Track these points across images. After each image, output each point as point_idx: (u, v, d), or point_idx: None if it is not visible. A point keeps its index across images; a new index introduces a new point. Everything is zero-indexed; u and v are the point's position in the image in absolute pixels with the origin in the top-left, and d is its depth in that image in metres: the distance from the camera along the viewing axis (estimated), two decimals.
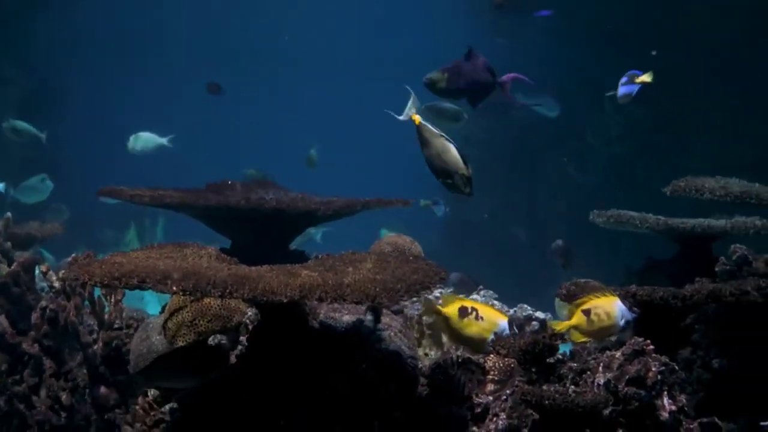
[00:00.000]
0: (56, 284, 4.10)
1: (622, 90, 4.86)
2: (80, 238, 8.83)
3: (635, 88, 4.64)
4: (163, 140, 9.00)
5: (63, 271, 4.14)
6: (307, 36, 19.44)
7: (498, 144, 10.84)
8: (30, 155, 16.54)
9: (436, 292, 3.86)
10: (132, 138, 9.16)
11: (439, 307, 2.97)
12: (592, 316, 2.90)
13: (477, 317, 2.90)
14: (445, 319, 2.95)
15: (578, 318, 2.92)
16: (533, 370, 2.83)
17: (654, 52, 7.67)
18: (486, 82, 4.87)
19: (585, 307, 2.93)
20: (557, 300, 3.68)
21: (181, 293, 2.37)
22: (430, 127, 2.98)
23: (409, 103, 2.92)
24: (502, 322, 2.92)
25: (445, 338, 3.66)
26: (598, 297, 2.95)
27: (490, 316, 2.92)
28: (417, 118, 2.91)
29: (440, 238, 10.03)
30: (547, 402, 2.52)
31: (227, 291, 2.31)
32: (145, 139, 9.16)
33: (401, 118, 2.93)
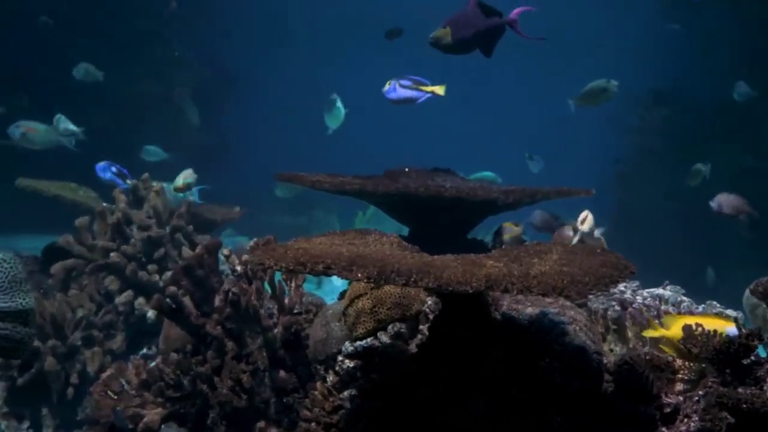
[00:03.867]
0: (238, 268, 4.33)
1: None
2: (249, 224, 9.20)
3: None
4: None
5: (245, 256, 4.37)
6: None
7: (673, 132, 10.70)
8: (205, 141, 17.40)
9: (620, 286, 3.83)
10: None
11: (663, 331, 2.95)
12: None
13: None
14: (671, 341, 2.93)
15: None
16: (727, 371, 2.78)
17: None
18: (494, 25, 4.77)
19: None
20: (748, 297, 3.57)
21: (365, 281, 2.46)
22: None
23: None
24: (731, 329, 2.87)
25: (630, 334, 3.63)
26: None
27: (717, 327, 2.86)
28: None
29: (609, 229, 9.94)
30: (744, 405, 2.48)
31: (412, 279, 2.38)
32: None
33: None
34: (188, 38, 17.07)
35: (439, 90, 6.27)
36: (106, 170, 8.89)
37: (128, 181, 8.88)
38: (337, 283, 10.71)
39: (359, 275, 2.44)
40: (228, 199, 8.98)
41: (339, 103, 10.29)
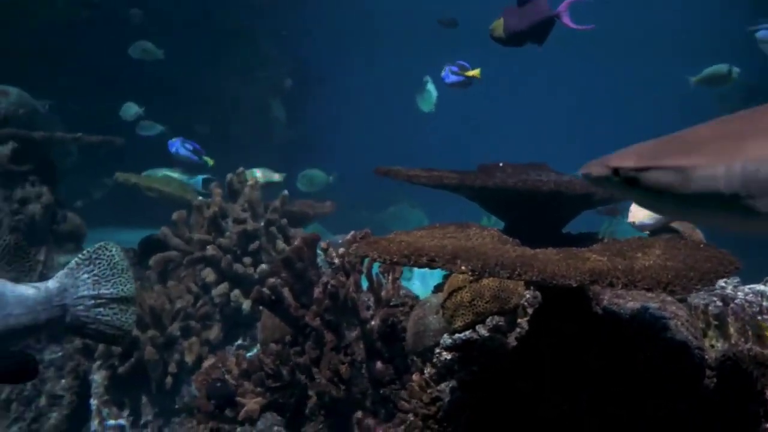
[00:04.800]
0: (336, 261, 4.44)
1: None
2: (329, 218, 9.34)
3: None
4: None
5: (342, 248, 4.48)
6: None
7: None
8: (290, 136, 17.66)
9: (721, 281, 3.81)
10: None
11: None
12: None
13: None
14: None
15: None
16: None
17: None
18: (546, 18, 5.10)
19: None
20: None
21: (469, 273, 2.52)
22: None
23: None
24: None
25: (732, 330, 3.62)
26: None
27: None
28: None
29: None
30: None
31: (515, 273, 2.43)
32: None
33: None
34: (275, 37, 17.34)
35: (476, 73, 6.80)
36: (179, 146, 9.11)
37: (204, 157, 9.09)
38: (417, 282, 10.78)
39: (463, 268, 2.50)
40: (309, 195, 9.12)
41: (429, 86, 10.34)
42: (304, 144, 17.67)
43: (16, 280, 3.51)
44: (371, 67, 22.54)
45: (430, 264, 2.58)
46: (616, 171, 2.47)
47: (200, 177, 10.16)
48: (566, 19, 5.14)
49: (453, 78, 8.22)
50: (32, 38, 13.75)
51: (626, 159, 2.47)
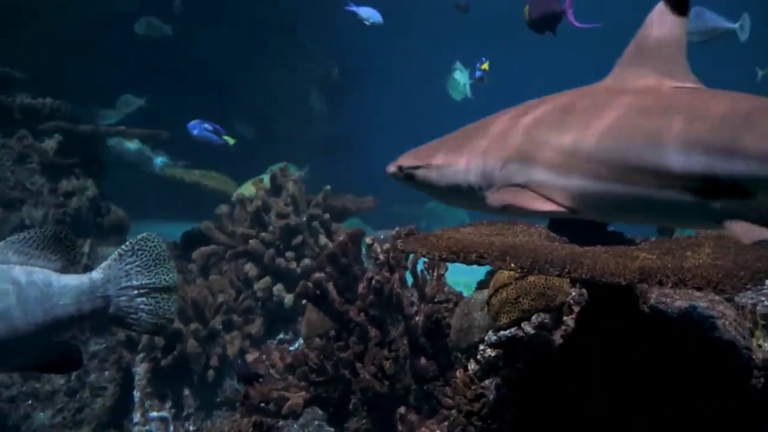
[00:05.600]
0: (381, 257, 4.48)
1: None
2: (365, 212, 9.40)
3: None
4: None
5: (387, 244, 4.53)
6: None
7: None
8: (330, 129, 17.74)
9: None
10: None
11: None
12: None
13: None
14: None
15: None
16: None
17: None
18: (553, 12, 5.81)
19: None
20: None
21: (518, 270, 2.55)
22: None
23: None
24: None
25: None
26: None
27: None
28: None
29: None
30: None
31: (565, 270, 2.46)
32: None
33: None
34: (316, 31, 17.41)
35: (485, 66, 7.49)
36: (198, 127, 9.16)
37: (224, 137, 9.13)
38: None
39: (512, 265, 2.53)
40: (347, 189, 9.18)
41: (457, 74, 10.34)
42: (343, 136, 17.75)
43: (62, 270, 3.59)
44: (410, 59, 22.52)
45: (479, 261, 2.61)
46: (400, 168, 3.14)
47: (159, 159, 10.16)
48: (570, 17, 5.83)
49: (478, 74, 8.62)
50: (73, 32, 13.92)
51: (406, 159, 3.15)
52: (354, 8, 9.46)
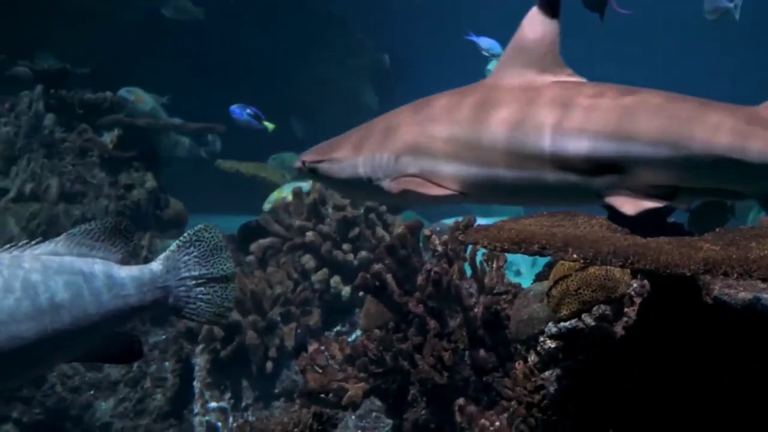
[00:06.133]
0: (439, 248, 4.51)
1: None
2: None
3: None
4: None
5: (445, 236, 4.56)
6: None
7: None
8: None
9: None
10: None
11: None
12: None
13: None
14: None
15: None
16: None
17: None
18: None
19: None
20: None
21: (581, 261, 2.56)
22: None
23: None
24: None
25: None
26: None
27: None
28: None
29: None
30: None
31: (628, 261, 2.46)
32: None
33: None
34: (367, 23, 17.46)
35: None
36: (241, 112, 9.25)
37: (264, 122, 9.20)
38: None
39: (575, 256, 2.54)
40: None
41: (490, 65, 10.33)
42: None
43: (122, 262, 3.69)
44: (463, 53, 22.52)
45: (541, 252, 2.62)
46: (304, 163, 3.44)
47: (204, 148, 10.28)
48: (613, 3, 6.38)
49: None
50: (132, 28, 14.15)
51: (309, 155, 3.45)
52: (474, 38, 9.64)
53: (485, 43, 9.65)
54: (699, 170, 2.91)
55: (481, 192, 3.08)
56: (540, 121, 2.95)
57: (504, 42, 3.43)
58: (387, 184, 3.19)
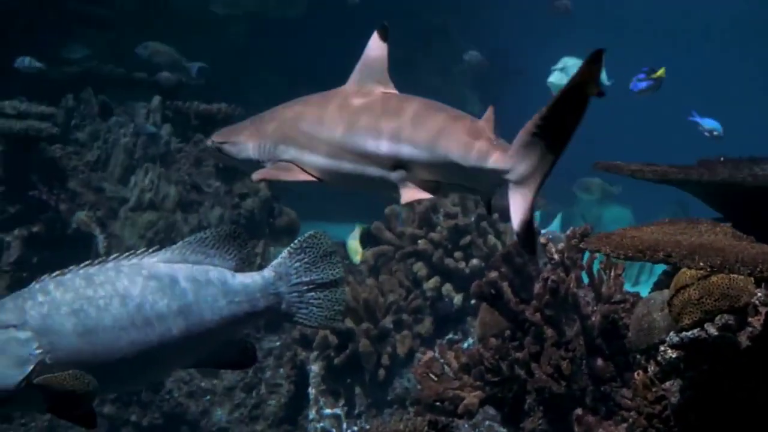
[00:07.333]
0: (555, 256, 4.52)
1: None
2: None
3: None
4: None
5: (561, 244, 4.56)
6: None
7: None
8: None
9: None
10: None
11: None
12: None
13: None
14: None
15: None
16: None
17: None
18: None
19: None
20: None
21: (707, 269, 2.56)
22: None
23: None
24: None
25: None
26: None
27: None
28: None
29: None
30: None
31: (757, 269, 2.45)
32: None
33: None
34: (470, 31, 17.50)
35: (661, 73, 7.77)
36: None
37: None
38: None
39: (701, 264, 2.54)
40: None
41: (555, 76, 10.18)
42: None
43: (236, 269, 3.84)
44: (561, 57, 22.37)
45: (666, 260, 2.63)
46: (213, 142, 4.00)
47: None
48: None
49: (641, 85, 8.43)
50: (246, 38, 14.48)
51: (218, 136, 4.01)
52: (698, 119, 9.70)
53: (708, 123, 9.67)
54: (447, 171, 3.47)
55: (333, 180, 3.68)
56: (365, 124, 3.58)
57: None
58: (269, 167, 3.80)
